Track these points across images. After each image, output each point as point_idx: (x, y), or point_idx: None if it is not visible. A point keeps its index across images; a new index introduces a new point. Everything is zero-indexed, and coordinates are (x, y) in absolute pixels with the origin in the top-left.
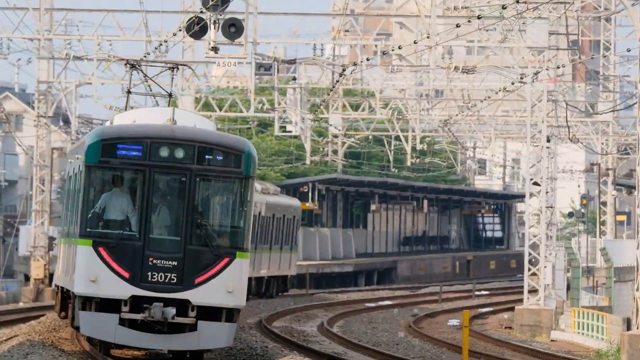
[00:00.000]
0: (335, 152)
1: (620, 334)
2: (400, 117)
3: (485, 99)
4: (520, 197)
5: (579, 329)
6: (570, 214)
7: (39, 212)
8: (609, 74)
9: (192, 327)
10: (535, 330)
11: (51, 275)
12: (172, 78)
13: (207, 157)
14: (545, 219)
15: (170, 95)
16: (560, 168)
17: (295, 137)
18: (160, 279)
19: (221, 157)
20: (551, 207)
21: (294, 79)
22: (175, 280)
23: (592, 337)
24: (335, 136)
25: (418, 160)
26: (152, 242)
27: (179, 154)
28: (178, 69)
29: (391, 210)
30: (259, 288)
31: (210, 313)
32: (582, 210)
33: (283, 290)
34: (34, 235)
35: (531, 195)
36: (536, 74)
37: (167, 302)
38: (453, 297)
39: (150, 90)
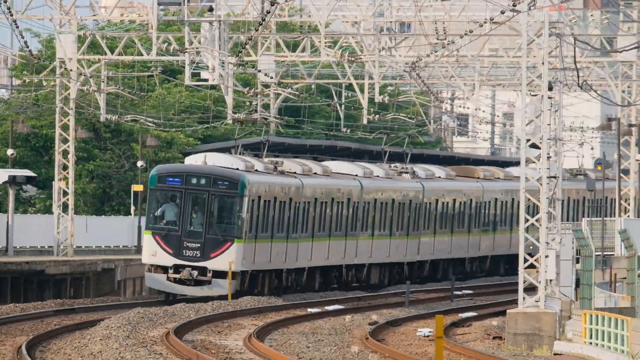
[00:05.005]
0: (266, 107)
1: None
2: (354, 59)
3: (466, 34)
4: (514, 163)
5: (591, 338)
6: None
7: None
8: None
9: (209, 283)
10: (533, 341)
11: None
12: (231, 151)
13: (218, 183)
14: (546, 192)
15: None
16: (567, 125)
17: (212, 87)
18: (191, 254)
19: (226, 184)
20: (554, 177)
21: (211, 9)
22: (199, 255)
23: (609, 348)
24: (267, 86)
25: (377, 117)
26: (186, 233)
27: (202, 182)
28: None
29: None
30: None
31: (220, 274)
32: None
33: None
34: None
35: (528, 161)
36: None
37: (194, 268)
38: (425, 299)
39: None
